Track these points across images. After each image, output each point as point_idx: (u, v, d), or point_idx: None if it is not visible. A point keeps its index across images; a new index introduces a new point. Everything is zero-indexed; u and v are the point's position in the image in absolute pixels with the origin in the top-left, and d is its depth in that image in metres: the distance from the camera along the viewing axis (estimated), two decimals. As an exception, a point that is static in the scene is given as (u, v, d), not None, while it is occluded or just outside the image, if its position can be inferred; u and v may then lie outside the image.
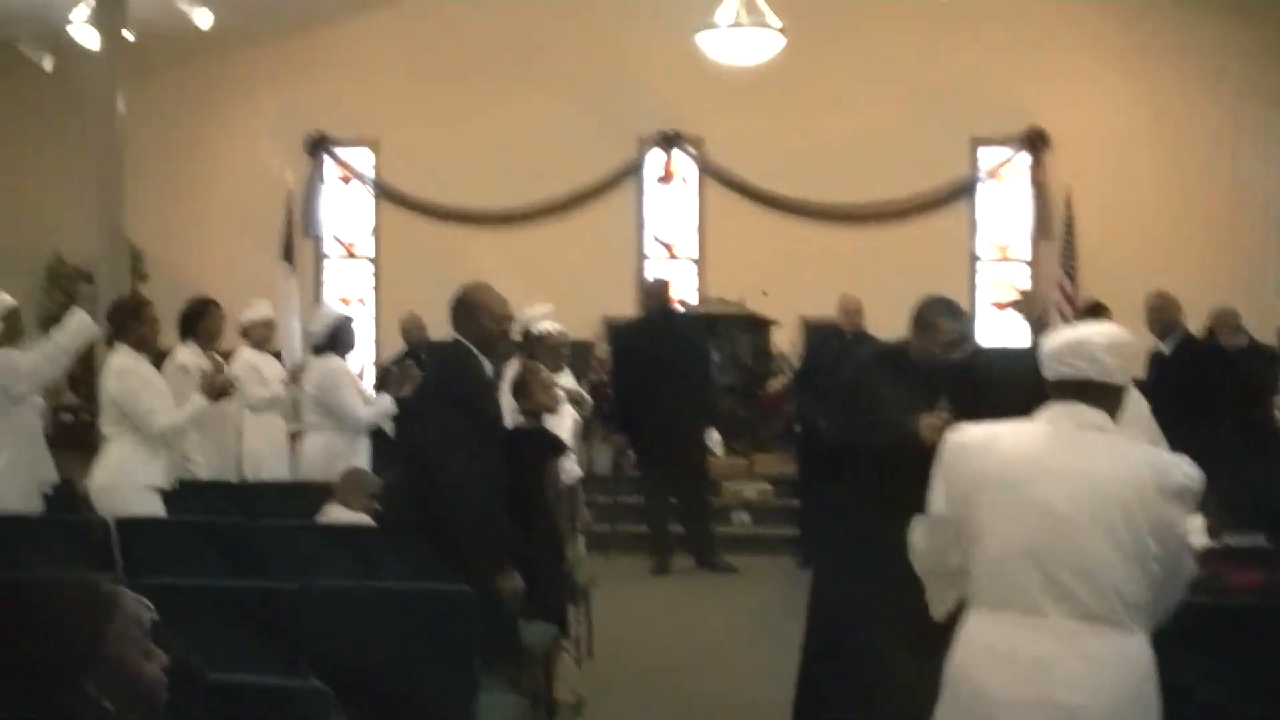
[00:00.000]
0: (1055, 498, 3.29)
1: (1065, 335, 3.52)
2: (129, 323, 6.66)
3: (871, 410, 5.13)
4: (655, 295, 10.14)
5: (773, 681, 7.05)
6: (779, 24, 10.92)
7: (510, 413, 7.42)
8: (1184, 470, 3.30)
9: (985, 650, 3.35)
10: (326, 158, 14.75)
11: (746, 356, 11.82)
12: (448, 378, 5.35)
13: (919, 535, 3.67)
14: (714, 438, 10.08)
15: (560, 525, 6.18)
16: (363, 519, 5.98)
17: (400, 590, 4.46)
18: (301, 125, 14.54)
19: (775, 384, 11.53)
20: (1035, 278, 14.21)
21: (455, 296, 5.31)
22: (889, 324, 10.23)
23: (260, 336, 8.84)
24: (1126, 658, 3.23)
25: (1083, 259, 13.60)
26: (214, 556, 5.41)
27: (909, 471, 4.63)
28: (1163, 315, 8.61)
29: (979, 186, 14.33)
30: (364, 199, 14.93)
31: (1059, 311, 13.45)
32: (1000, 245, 14.46)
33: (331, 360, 7.87)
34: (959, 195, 14.25)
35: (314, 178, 14.68)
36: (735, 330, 11.98)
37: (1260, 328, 10.31)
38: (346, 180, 14.93)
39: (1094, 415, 3.40)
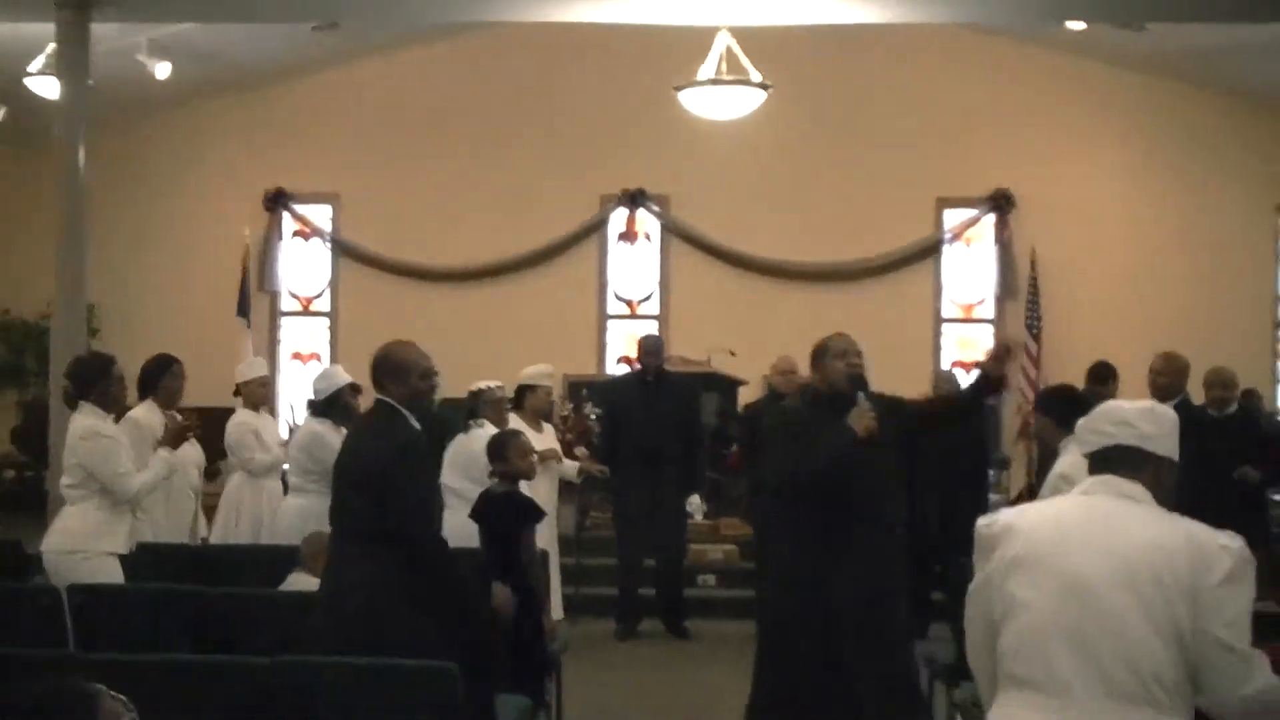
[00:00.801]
0: (1084, 568, 3.10)
1: (1099, 407, 3.41)
2: (96, 382, 6.40)
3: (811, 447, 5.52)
4: (653, 353, 9.95)
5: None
6: (759, 78, 10.82)
7: (460, 474, 7.33)
8: (1221, 543, 3.11)
9: None
10: (285, 213, 14.53)
11: (712, 417, 11.62)
12: (377, 443, 5.01)
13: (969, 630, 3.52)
14: (694, 502, 9.91)
15: (537, 592, 5.95)
16: None
17: (379, 666, 4.22)
18: (260, 179, 14.36)
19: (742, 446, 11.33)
20: (1000, 338, 14.16)
21: (376, 356, 5.10)
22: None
23: (257, 396, 8.58)
24: None
25: (1047, 320, 13.57)
26: (175, 627, 5.16)
27: (857, 481, 5.44)
28: (1161, 378, 8.15)
29: (944, 247, 14.28)
30: (322, 254, 14.72)
31: (1023, 372, 13.44)
32: (965, 305, 14.40)
33: (324, 425, 7.60)
34: (924, 255, 14.23)
35: (272, 232, 14.46)
36: (700, 391, 11.79)
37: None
38: (305, 235, 14.72)
39: (1129, 486, 3.23)
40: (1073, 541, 3.16)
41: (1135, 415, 3.28)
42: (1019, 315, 13.85)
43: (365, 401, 8.10)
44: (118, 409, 6.50)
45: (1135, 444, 3.25)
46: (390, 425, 4.98)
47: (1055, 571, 3.13)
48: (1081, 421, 3.38)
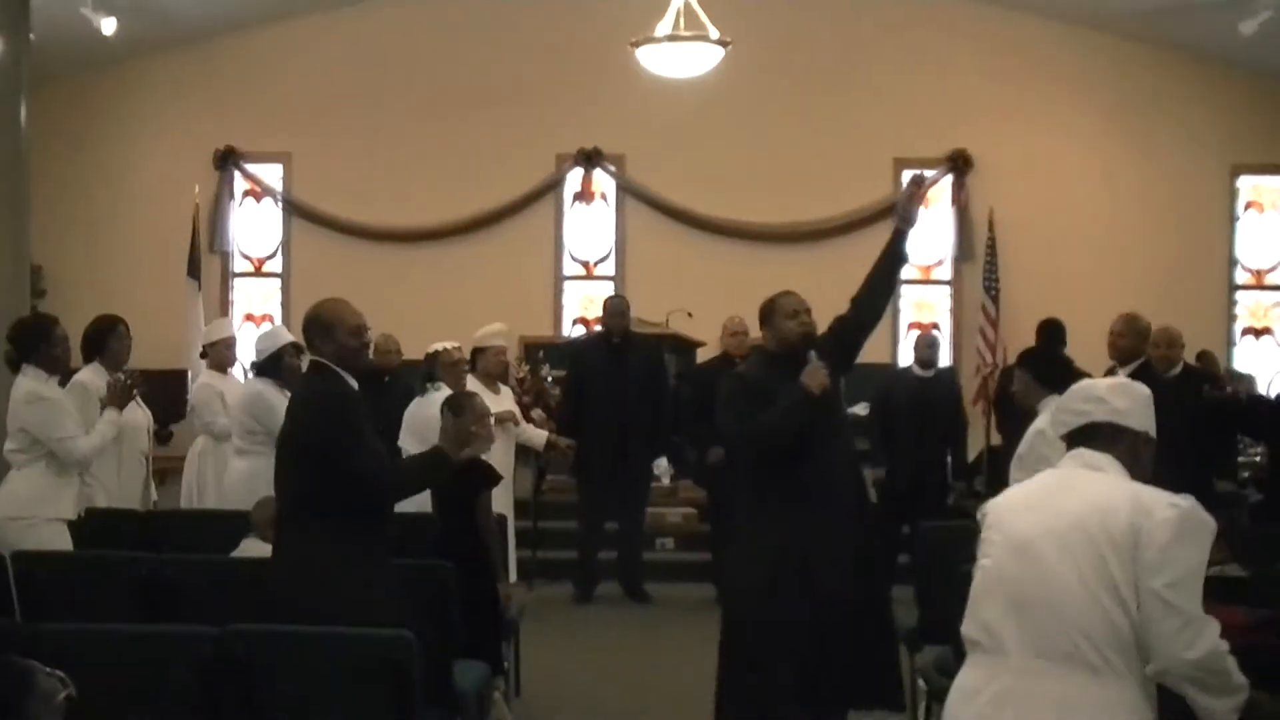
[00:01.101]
0: (1028, 530, 3.15)
1: (1073, 387, 3.44)
2: (38, 344, 6.24)
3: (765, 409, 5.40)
4: (619, 314, 9.84)
5: (701, 713, 6.89)
6: (717, 35, 10.66)
7: (415, 439, 7.18)
8: (1170, 502, 3.06)
9: (956, 692, 3.23)
10: (235, 172, 14.28)
11: (671, 378, 11.53)
12: (312, 405, 4.85)
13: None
14: (662, 464, 9.83)
15: (494, 558, 5.85)
16: None
17: (332, 635, 4.10)
18: (210, 138, 14.05)
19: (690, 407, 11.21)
20: (957, 300, 14.14)
21: (306, 315, 4.96)
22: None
23: (223, 358, 8.39)
24: (1106, 704, 2.99)
25: (1005, 282, 13.52)
26: (123, 595, 5.03)
27: (816, 444, 5.33)
28: (1122, 339, 8.05)
29: (902, 208, 14.17)
30: (273, 215, 14.46)
31: (981, 334, 13.41)
32: (923, 267, 14.34)
33: (266, 384, 7.41)
34: (882, 216, 14.08)
35: (222, 192, 14.19)
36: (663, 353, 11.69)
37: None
38: (256, 195, 14.48)
39: (1096, 457, 3.24)
40: (1027, 508, 3.22)
41: (1108, 391, 3.29)
42: (976, 277, 13.78)
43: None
44: (61, 371, 6.33)
45: (1109, 419, 3.24)
46: (318, 384, 4.86)
47: (1005, 535, 3.20)
48: (1057, 403, 3.43)
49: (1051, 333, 9.50)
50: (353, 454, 4.62)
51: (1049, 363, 6.80)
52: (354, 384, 4.85)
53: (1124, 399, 3.27)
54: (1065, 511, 3.11)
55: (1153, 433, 3.31)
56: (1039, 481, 3.35)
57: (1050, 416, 6.73)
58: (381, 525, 4.81)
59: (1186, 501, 3.06)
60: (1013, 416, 7.58)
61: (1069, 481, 3.21)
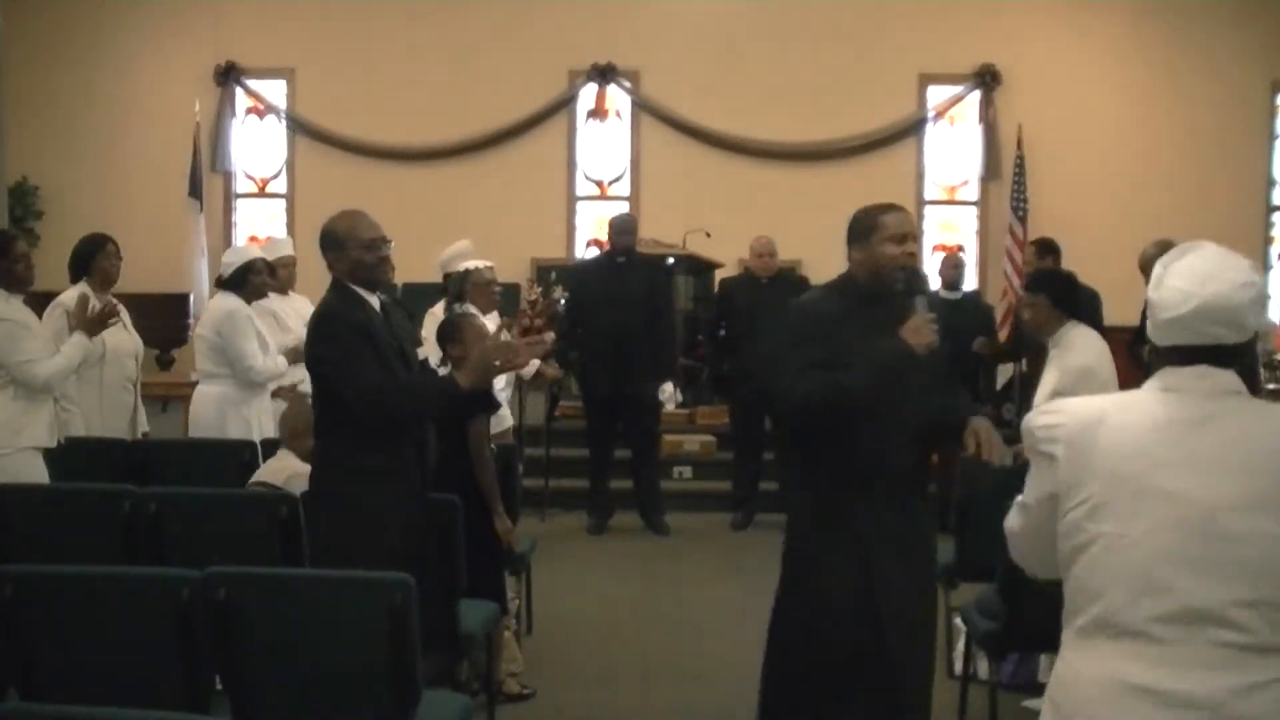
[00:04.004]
0: (1193, 491, 2.54)
1: (1192, 289, 2.63)
2: None
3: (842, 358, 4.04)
4: (625, 233, 9.42)
5: (720, 646, 6.61)
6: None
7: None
8: None
9: (1111, 686, 2.59)
10: (237, 89, 13.84)
11: (688, 301, 11.15)
12: (314, 328, 4.65)
13: (1015, 521, 2.93)
14: (668, 390, 9.45)
15: (488, 491, 5.46)
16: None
17: (327, 578, 3.75)
18: (210, 53, 13.62)
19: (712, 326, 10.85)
20: (983, 220, 13.71)
21: (321, 231, 4.68)
22: (834, 267, 9.77)
23: (281, 280, 7.82)
24: None
25: (1034, 202, 13.09)
26: (103, 532, 4.68)
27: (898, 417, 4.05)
28: (1152, 266, 7.72)
29: (927, 125, 13.75)
30: (277, 133, 14.05)
31: (1008, 255, 13.00)
32: (948, 187, 13.90)
33: (232, 301, 6.95)
34: (906, 134, 13.69)
35: (223, 110, 13.77)
36: (675, 273, 11.29)
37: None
38: (259, 113, 14.06)
39: (1227, 378, 2.63)
40: (1174, 453, 2.58)
41: (1248, 309, 2.62)
42: (1004, 196, 13.35)
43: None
44: (23, 290, 5.92)
45: (1240, 341, 2.63)
46: (326, 299, 4.65)
47: (1152, 491, 2.57)
48: (1167, 312, 2.66)
49: (1056, 252, 8.99)
50: (344, 375, 4.41)
51: (1066, 285, 6.37)
52: (372, 300, 4.62)
53: (1260, 313, 2.65)
54: (1233, 455, 2.55)
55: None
56: (1153, 411, 2.66)
57: (1085, 343, 6.33)
58: (401, 448, 4.56)
59: None
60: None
61: (1219, 415, 2.61)
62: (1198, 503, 2.53)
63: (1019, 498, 2.84)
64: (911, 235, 4.22)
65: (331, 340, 4.47)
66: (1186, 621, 2.50)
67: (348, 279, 4.59)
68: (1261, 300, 2.65)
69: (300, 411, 5.46)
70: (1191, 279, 2.64)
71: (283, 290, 7.79)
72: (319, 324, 4.58)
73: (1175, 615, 2.51)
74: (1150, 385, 2.69)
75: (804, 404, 4.02)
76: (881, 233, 4.16)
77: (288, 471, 5.29)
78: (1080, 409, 2.73)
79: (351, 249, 4.57)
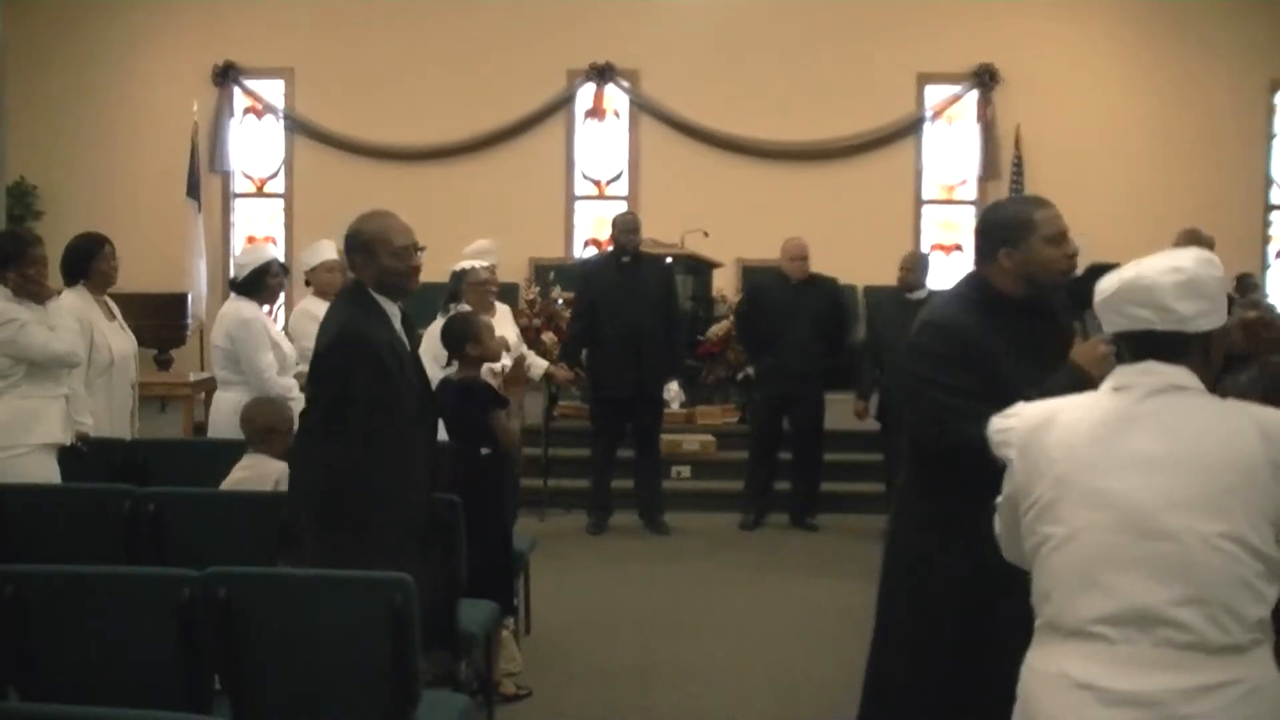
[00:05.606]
0: (1136, 491, 2.53)
1: (1121, 273, 2.67)
2: (9, 263, 5.80)
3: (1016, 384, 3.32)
4: (630, 231, 9.39)
5: (720, 646, 6.61)
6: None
7: (435, 363, 6.68)
8: None
9: (1058, 683, 2.61)
10: (235, 88, 13.85)
11: (686, 300, 11.13)
12: (335, 352, 4.26)
13: (996, 522, 2.94)
14: (672, 389, 9.44)
15: (508, 489, 5.47)
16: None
17: (327, 578, 3.74)
18: (208, 53, 13.65)
19: (718, 330, 10.83)
20: (982, 220, 13.72)
21: (348, 231, 4.35)
22: (830, 267, 9.78)
23: (326, 283, 7.37)
24: (1265, 688, 2.51)
25: (1032, 201, 13.09)
26: (106, 531, 4.67)
27: None
28: None
29: (925, 125, 13.76)
30: (275, 133, 14.06)
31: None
32: (946, 186, 13.92)
33: (247, 308, 6.75)
34: (904, 134, 13.72)
35: (222, 109, 13.79)
36: (674, 272, 11.28)
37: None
38: (257, 112, 14.07)
39: (1174, 373, 2.62)
40: (1117, 452, 2.59)
41: (1173, 294, 2.60)
42: (1002, 196, 13.33)
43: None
44: (37, 298, 5.85)
45: (1176, 330, 2.62)
46: (347, 309, 4.33)
47: (1096, 493, 2.59)
48: (1103, 293, 2.69)
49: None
50: (346, 415, 4.15)
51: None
52: (394, 311, 4.34)
53: (1192, 302, 2.61)
54: (1176, 455, 2.54)
55: (1223, 322, 2.67)
56: (1099, 410, 2.67)
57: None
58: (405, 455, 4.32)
59: None
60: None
61: (1162, 414, 2.60)
62: (1137, 502, 2.54)
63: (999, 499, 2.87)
64: (1067, 233, 3.69)
65: (343, 373, 4.17)
66: (1134, 622, 2.51)
67: (373, 286, 4.31)
68: (1195, 288, 2.62)
69: (272, 411, 5.37)
70: (1130, 266, 2.68)
71: (325, 296, 7.31)
72: (347, 342, 4.22)
73: (1122, 616, 2.52)
74: (1104, 385, 2.73)
75: (977, 448, 3.05)
76: (1040, 233, 3.63)
77: (274, 475, 5.10)
78: (1032, 411, 2.77)
79: (382, 255, 4.28)
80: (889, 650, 3.86)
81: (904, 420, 3.98)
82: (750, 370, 9.91)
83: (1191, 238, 7.59)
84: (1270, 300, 11.19)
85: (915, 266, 9.09)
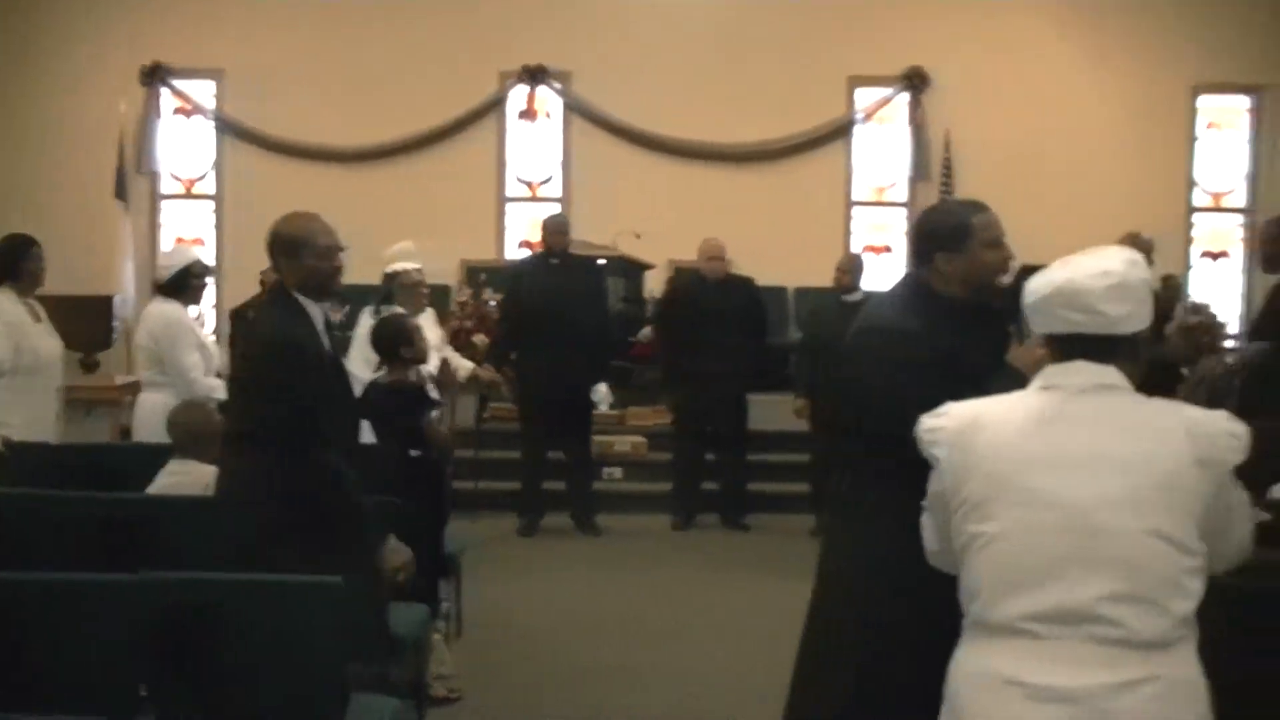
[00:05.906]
0: (1065, 489, 2.57)
1: (1051, 277, 2.72)
2: None
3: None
4: (559, 233, 9.39)
5: (654, 647, 6.64)
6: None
7: (366, 366, 6.67)
8: (1228, 429, 2.62)
9: (985, 680, 2.65)
10: (164, 88, 13.72)
11: (618, 302, 11.15)
12: (274, 360, 4.30)
13: (924, 522, 2.97)
14: (601, 391, 9.47)
15: (443, 490, 5.47)
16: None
17: (253, 582, 3.72)
18: (137, 52, 13.51)
19: (649, 331, 10.85)
20: (912, 220, 13.83)
21: (270, 232, 4.35)
22: (762, 269, 9.86)
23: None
24: (1186, 683, 2.56)
25: (961, 203, 13.22)
26: (66, 538, 4.59)
27: None
28: None
29: (856, 127, 13.87)
30: (205, 133, 13.94)
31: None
32: (877, 188, 14.03)
33: (171, 307, 6.76)
34: (835, 136, 13.82)
35: (150, 109, 13.66)
36: (605, 274, 11.30)
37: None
38: (186, 113, 13.94)
39: (1103, 372, 2.67)
40: (1047, 453, 2.64)
41: (1103, 298, 2.65)
42: (932, 197, 13.41)
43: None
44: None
45: (1107, 333, 2.69)
46: (274, 312, 4.36)
47: (1025, 493, 2.63)
48: (1033, 295, 2.75)
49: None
50: (268, 398, 4.23)
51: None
52: (317, 313, 4.35)
53: (1121, 304, 2.67)
54: (1108, 456, 2.58)
55: (1147, 325, 2.74)
56: (1028, 409, 2.71)
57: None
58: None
59: (1239, 425, 2.66)
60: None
61: (1092, 413, 2.65)
62: (1066, 500, 2.58)
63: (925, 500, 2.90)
64: (1004, 241, 3.70)
65: (285, 377, 4.22)
66: (1063, 619, 2.54)
67: (296, 288, 4.31)
68: (1124, 291, 2.68)
69: (201, 415, 5.33)
70: (1059, 268, 2.73)
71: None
72: (276, 348, 4.26)
73: (1051, 613, 2.55)
74: (1033, 384, 2.78)
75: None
76: (979, 237, 3.63)
77: (204, 481, 5.04)
78: (961, 411, 2.80)
79: (306, 257, 4.29)
80: (888, 651, 3.74)
81: (853, 424, 3.92)
82: (671, 371, 9.92)
83: (1132, 241, 7.71)
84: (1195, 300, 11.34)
85: (852, 269, 9.19)
